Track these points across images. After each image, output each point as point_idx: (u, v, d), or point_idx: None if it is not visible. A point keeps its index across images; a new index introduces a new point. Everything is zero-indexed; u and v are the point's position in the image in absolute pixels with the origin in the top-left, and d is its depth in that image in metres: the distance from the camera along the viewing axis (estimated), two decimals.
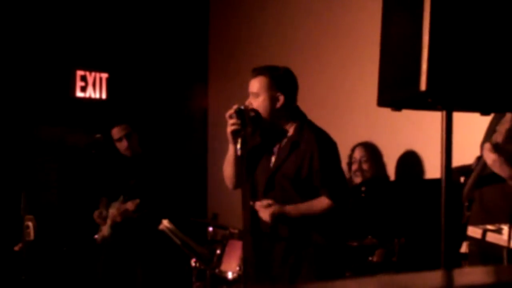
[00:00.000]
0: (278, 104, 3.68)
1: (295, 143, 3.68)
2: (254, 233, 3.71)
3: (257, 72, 3.73)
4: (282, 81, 3.72)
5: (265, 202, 3.63)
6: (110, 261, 5.39)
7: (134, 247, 5.33)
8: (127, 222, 5.28)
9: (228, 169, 3.86)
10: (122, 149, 5.41)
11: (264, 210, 3.61)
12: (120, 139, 5.38)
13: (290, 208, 3.62)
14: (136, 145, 5.44)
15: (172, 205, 5.30)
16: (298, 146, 3.67)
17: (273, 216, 3.59)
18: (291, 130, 3.71)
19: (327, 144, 3.69)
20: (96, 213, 5.42)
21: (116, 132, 5.40)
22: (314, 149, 3.63)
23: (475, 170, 3.34)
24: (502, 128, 3.11)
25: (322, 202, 3.63)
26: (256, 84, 3.70)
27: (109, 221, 5.35)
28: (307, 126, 3.71)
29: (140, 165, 5.44)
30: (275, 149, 3.78)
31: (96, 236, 5.48)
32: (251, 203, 3.65)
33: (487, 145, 3.11)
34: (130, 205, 5.21)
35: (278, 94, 3.68)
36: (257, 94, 3.67)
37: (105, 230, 5.37)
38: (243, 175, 3.49)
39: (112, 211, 5.34)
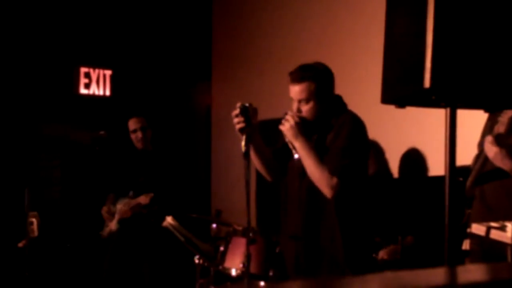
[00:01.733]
0: (328, 103, 3.70)
1: (329, 126, 3.69)
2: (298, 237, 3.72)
3: (301, 77, 3.69)
4: (327, 82, 3.73)
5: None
6: (116, 256, 5.40)
7: (141, 243, 5.34)
8: (135, 218, 5.29)
9: (256, 164, 3.88)
10: (135, 140, 5.50)
11: (287, 122, 3.61)
12: (135, 131, 5.50)
13: (304, 140, 3.60)
14: (148, 141, 5.50)
15: (180, 202, 5.32)
16: (332, 128, 3.67)
17: (291, 129, 3.59)
18: (333, 121, 3.72)
19: (359, 128, 3.66)
20: (104, 209, 5.43)
21: (132, 123, 5.53)
22: (345, 127, 3.63)
23: (474, 167, 3.33)
24: (505, 117, 3.10)
25: (323, 170, 3.56)
26: (304, 91, 3.66)
27: (117, 216, 5.36)
28: (346, 113, 3.72)
29: (150, 162, 5.47)
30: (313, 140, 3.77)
31: (101, 232, 5.49)
32: (287, 113, 3.63)
33: (489, 138, 3.10)
34: (143, 199, 5.22)
35: (326, 95, 3.70)
36: (307, 100, 3.66)
37: (113, 224, 5.38)
38: (248, 172, 3.49)
39: (120, 206, 5.35)
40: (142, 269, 5.35)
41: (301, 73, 3.71)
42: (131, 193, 5.34)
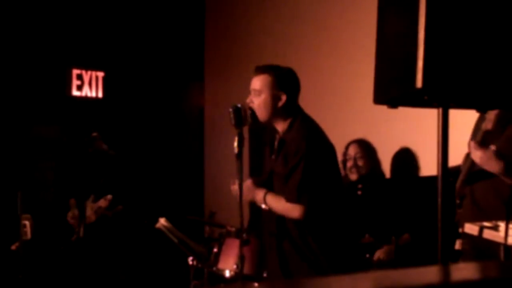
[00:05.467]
0: (280, 103, 3.67)
1: (282, 141, 3.69)
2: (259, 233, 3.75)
3: (261, 70, 3.72)
4: (285, 81, 3.71)
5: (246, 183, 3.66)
6: (87, 261, 5.36)
7: (112, 245, 5.31)
8: (101, 221, 5.25)
9: None
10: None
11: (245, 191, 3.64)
12: None
13: (260, 195, 3.66)
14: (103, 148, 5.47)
15: (147, 201, 5.30)
16: (284, 143, 3.67)
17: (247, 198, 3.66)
18: (285, 128, 3.71)
19: (309, 144, 3.58)
20: (69, 215, 5.38)
21: None
22: (295, 146, 3.59)
23: (464, 167, 3.34)
24: (491, 114, 3.11)
25: (282, 202, 3.60)
26: (259, 82, 3.68)
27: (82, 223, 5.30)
28: (299, 123, 3.67)
29: (109, 164, 5.44)
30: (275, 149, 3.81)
31: (72, 238, 5.45)
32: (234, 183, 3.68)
33: (472, 144, 3.11)
34: (102, 202, 5.17)
35: (281, 93, 3.67)
36: (259, 92, 3.66)
37: (81, 231, 5.32)
38: (241, 173, 3.50)
39: (88, 211, 5.30)
40: (118, 272, 5.32)
41: (264, 66, 3.74)
42: (92, 196, 5.31)
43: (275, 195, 3.63)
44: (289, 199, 3.55)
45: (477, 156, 3.10)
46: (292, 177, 3.55)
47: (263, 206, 3.67)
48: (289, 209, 3.56)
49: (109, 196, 5.14)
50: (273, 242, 3.74)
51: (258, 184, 3.75)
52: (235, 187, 3.63)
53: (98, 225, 5.27)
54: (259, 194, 3.66)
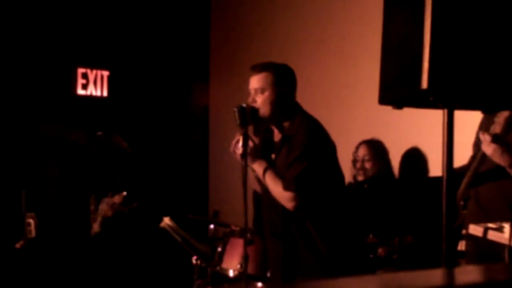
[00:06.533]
0: (284, 99, 3.69)
1: (286, 137, 3.69)
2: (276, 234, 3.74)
3: (259, 68, 3.73)
4: (285, 77, 3.74)
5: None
6: (105, 257, 5.38)
7: (128, 242, 5.32)
8: (117, 217, 5.27)
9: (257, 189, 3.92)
10: None
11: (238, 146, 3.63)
12: None
13: (260, 165, 3.65)
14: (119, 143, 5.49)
15: (164, 200, 5.31)
16: (289, 139, 3.67)
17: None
18: (287, 125, 3.72)
19: (314, 138, 3.63)
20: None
21: None
22: (300, 139, 3.61)
23: (470, 168, 3.34)
24: (501, 117, 3.11)
25: (279, 187, 3.60)
26: (260, 80, 3.69)
27: (99, 218, 5.33)
28: (301, 118, 3.69)
29: (126, 161, 5.45)
30: (276, 146, 3.81)
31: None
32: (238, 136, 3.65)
33: (487, 137, 3.11)
34: (117, 198, 5.20)
35: (283, 89, 3.69)
36: (262, 90, 3.67)
37: (96, 226, 5.35)
38: (245, 173, 3.50)
39: (102, 206, 5.33)
40: (132, 269, 5.34)
41: (262, 65, 3.76)
42: (110, 194, 5.33)
43: (276, 176, 3.63)
44: (287, 188, 3.56)
45: (491, 148, 3.09)
46: (294, 167, 3.57)
47: (255, 174, 3.69)
48: (285, 197, 3.58)
49: (124, 192, 5.18)
50: (277, 243, 3.74)
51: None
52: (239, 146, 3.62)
53: (113, 221, 5.28)
54: (261, 165, 3.65)
